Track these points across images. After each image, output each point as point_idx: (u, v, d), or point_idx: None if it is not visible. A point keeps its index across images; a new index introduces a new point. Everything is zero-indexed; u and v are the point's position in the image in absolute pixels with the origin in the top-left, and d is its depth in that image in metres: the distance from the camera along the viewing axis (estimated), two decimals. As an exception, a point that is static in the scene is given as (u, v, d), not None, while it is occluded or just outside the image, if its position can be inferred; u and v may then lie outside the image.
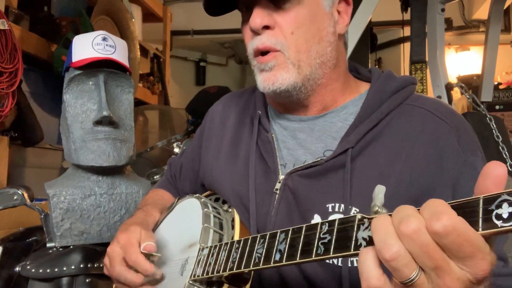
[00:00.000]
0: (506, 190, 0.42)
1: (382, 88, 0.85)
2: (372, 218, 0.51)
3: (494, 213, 0.42)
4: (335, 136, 0.84)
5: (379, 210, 0.51)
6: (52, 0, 2.33)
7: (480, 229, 0.43)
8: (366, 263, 0.48)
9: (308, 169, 0.82)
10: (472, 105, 2.08)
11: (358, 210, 0.76)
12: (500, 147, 1.91)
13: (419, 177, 0.76)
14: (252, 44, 0.83)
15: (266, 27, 0.81)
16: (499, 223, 0.42)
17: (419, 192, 0.75)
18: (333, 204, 0.78)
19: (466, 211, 0.44)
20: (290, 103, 0.88)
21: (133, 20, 2.83)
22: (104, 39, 1.24)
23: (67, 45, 1.63)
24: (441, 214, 0.43)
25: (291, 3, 0.80)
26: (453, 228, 0.42)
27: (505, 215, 0.41)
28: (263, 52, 0.83)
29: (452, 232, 0.42)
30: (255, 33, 0.82)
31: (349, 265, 0.75)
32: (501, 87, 3.74)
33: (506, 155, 1.90)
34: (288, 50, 0.81)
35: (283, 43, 0.81)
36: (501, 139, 1.92)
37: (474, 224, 0.43)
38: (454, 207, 0.44)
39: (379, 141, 0.80)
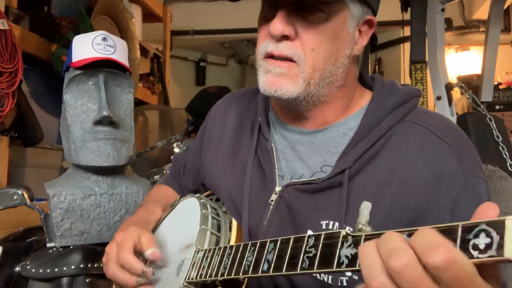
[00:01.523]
0: (485, 220, 0.40)
1: (382, 103, 0.82)
2: (356, 236, 0.51)
3: (471, 243, 0.40)
4: (334, 151, 0.83)
5: (363, 227, 0.51)
6: (52, 0, 2.33)
7: None
8: None
9: (304, 185, 0.81)
10: (472, 105, 2.08)
11: (352, 229, 0.75)
12: (500, 147, 1.91)
13: (415, 199, 0.73)
14: (266, 47, 0.80)
15: (285, 37, 0.77)
16: (475, 253, 0.40)
17: (415, 214, 0.73)
18: (327, 222, 0.77)
19: (446, 237, 0.42)
20: (289, 111, 0.87)
21: (133, 20, 2.83)
22: (104, 39, 1.24)
23: (67, 45, 1.63)
24: (438, 247, 0.41)
25: (319, 18, 0.77)
26: (453, 261, 0.40)
27: (481, 246, 0.40)
28: (275, 57, 0.80)
29: (452, 266, 0.40)
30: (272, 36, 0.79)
31: (339, 284, 0.74)
32: (501, 87, 3.74)
33: (506, 155, 1.90)
34: (304, 65, 0.78)
35: (301, 56, 0.77)
36: (501, 139, 1.91)
37: None
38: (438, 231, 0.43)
39: (377, 160, 0.78)
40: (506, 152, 1.89)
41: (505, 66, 4.02)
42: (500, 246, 0.39)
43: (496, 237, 0.39)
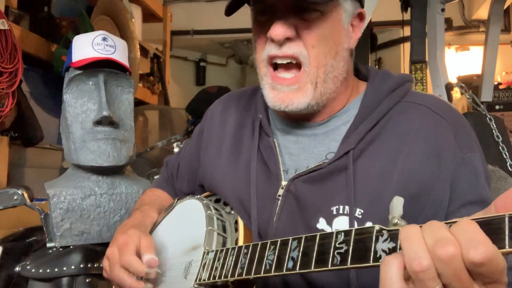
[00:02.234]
0: None
1: (379, 87, 0.85)
2: (392, 230, 0.51)
3: None
4: (337, 138, 0.84)
5: (398, 222, 0.51)
6: (52, 0, 2.33)
7: (507, 246, 0.43)
8: (390, 274, 0.48)
9: (311, 173, 0.82)
10: (472, 105, 2.08)
11: (362, 211, 0.76)
12: (500, 147, 1.91)
13: (418, 174, 0.76)
14: (269, 50, 0.81)
15: (287, 39, 0.79)
16: None
17: (417, 189, 0.76)
18: (337, 207, 0.78)
19: (491, 227, 0.44)
20: (297, 116, 0.88)
21: (133, 20, 2.83)
22: (104, 39, 1.24)
23: (67, 45, 1.63)
24: (478, 244, 0.43)
25: (315, 15, 0.79)
26: (489, 260, 0.43)
27: None
28: (279, 64, 0.81)
29: (488, 263, 0.43)
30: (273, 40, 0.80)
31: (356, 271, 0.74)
32: (501, 87, 3.74)
33: (506, 155, 1.90)
34: (309, 63, 0.80)
35: (305, 54, 0.80)
36: (501, 139, 1.91)
37: (500, 241, 0.44)
38: (481, 223, 0.45)
39: (380, 140, 0.80)
40: (506, 152, 1.89)
41: (505, 66, 4.02)
42: None
43: None
